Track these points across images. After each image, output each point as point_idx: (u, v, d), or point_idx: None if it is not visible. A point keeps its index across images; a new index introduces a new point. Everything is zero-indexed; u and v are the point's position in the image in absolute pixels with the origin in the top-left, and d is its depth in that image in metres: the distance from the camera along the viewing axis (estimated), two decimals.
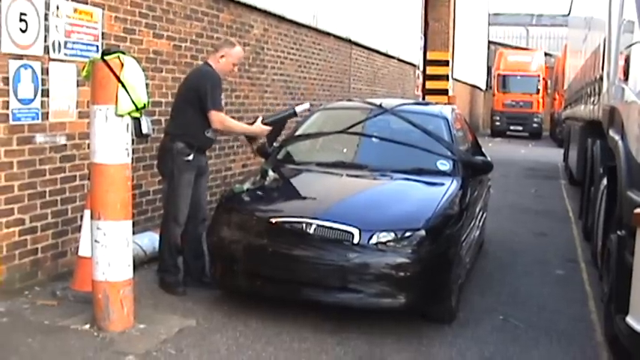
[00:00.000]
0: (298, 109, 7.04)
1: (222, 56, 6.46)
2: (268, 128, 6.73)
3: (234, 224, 5.95)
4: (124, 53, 5.23)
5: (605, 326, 5.82)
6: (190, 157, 6.22)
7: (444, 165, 6.92)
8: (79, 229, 6.28)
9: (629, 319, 4.68)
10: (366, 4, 16.43)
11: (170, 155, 6.21)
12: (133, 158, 5.56)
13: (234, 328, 5.56)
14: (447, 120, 7.64)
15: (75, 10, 6.38)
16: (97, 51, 6.51)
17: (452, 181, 6.58)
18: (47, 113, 6.15)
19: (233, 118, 7.29)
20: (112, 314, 5.24)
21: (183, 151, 6.18)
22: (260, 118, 6.79)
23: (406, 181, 6.58)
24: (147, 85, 5.45)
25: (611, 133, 6.80)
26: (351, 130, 7.35)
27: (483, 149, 8.68)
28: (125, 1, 7.12)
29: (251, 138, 6.92)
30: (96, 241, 5.22)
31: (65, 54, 6.30)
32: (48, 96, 6.14)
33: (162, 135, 6.60)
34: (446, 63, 28.04)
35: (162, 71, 7.87)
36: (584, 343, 5.75)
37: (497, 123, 36.97)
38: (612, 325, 5.23)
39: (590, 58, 11.73)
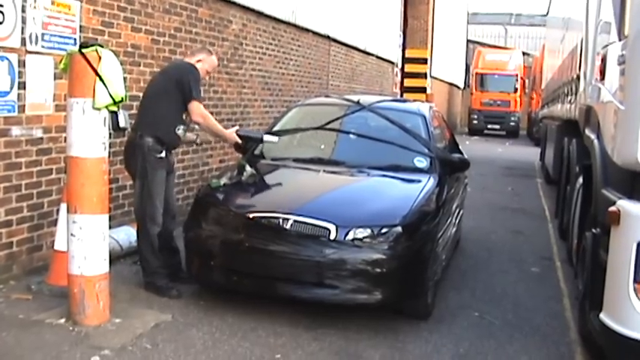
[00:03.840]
0: (266, 137, 7.03)
1: (199, 61, 6.43)
2: (238, 140, 6.73)
3: (211, 219, 5.95)
4: (101, 46, 5.20)
5: (579, 323, 5.87)
6: (162, 155, 6.17)
7: (421, 162, 6.94)
8: (54, 222, 6.25)
9: (602, 316, 4.73)
10: (345, 0, 16.44)
11: (141, 152, 6.09)
12: (109, 152, 5.53)
13: (210, 323, 5.55)
14: (425, 117, 7.66)
15: (53, 3, 6.34)
16: (75, 44, 6.48)
17: (429, 178, 6.60)
18: (24, 106, 6.11)
19: (210, 113, 7.27)
20: (88, 308, 5.22)
21: (154, 147, 6.10)
22: (236, 128, 6.83)
23: (383, 177, 6.60)
24: (124, 78, 5.43)
25: (587, 132, 6.85)
26: (328, 127, 7.35)
27: (461, 147, 8.71)
28: None
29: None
30: (72, 234, 5.19)
31: (42, 46, 6.25)
32: (24, 89, 6.10)
33: None
34: (424, 61, 28.11)
35: (140, 65, 7.85)
36: (559, 339, 5.80)
37: (475, 121, 37.15)
38: (586, 322, 5.28)
39: (568, 58, 11.80)
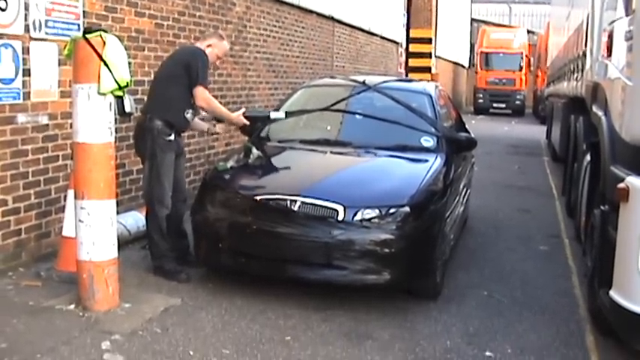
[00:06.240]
0: (272, 114, 7.04)
1: (210, 45, 6.43)
2: (245, 122, 6.73)
3: (218, 202, 5.95)
4: (105, 31, 5.18)
5: (588, 300, 5.87)
6: (172, 137, 6.16)
7: (428, 141, 6.92)
8: (62, 209, 6.26)
9: (612, 293, 4.72)
10: None
11: (150, 135, 6.10)
12: (115, 137, 5.52)
13: (220, 306, 5.57)
14: (431, 97, 7.64)
15: None
16: (79, 30, 6.46)
17: (436, 158, 6.59)
18: (29, 93, 6.10)
19: (215, 96, 7.26)
20: (97, 294, 5.23)
21: (163, 130, 6.10)
22: (243, 110, 6.79)
23: (390, 157, 6.59)
24: (129, 63, 5.41)
25: (595, 109, 6.82)
26: (334, 108, 7.34)
27: (467, 126, 8.69)
28: None
29: (219, 121, 6.84)
30: (80, 220, 5.20)
31: (46, 33, 6.24)
32: (29, 75, 6.08)
33: None
34: (429, 40, 28.02)
35: (144, 50, 7.82)
36: (568, 317, 5.79)
37: (480, 100, 37.05)
38: (596, 299, 5.28)
39: (574, 35, 11.74)
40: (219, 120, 6.75)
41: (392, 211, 5.55)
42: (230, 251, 5.78)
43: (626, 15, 5.46)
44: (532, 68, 37.89)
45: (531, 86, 38.19)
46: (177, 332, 5.02)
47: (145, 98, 6.57)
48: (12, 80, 5.90)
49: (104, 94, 5.10)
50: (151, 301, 5.58)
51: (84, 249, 5.21)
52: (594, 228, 5.74)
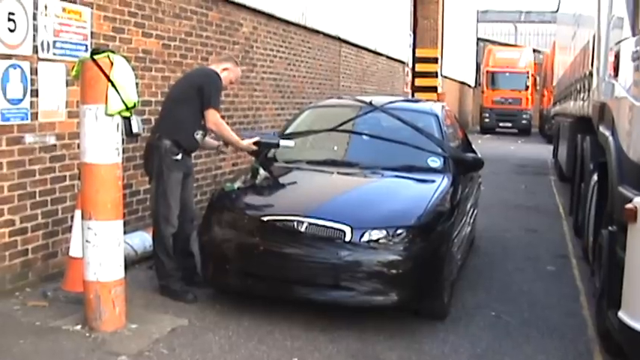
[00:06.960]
0: (282, 142, 7.01)
1: (226, 69, 6.47)
2: (255, 148, 6.76)
3: (225, 223, 5.94)
4: (113, 52, 5.20)
5: (597, 321, 5.84)
6: (179, 157, 6.16)
7: (435, 162, 6.92)
8: (69, 229, 6.26)
9: (621, 314, 4.70)
10: (355, 1, 16.42)
11: (158, 154, 6.11)
12: (123, 158, 5.53)
13: (227, 327, 5.55)
14: (438, 117, 7.64)
15: (63, 10, 6.35)
16: (86, 50, 6.49)
17: (443, 178, 6.58)
18: (36, 113, 6.12)
19: (222, 117, 7.27)
20: (104, 314, 5.22)
21: (171, 149, 6.11)
22: (257, 139, 6.78)
23: (397, 178, 6.58)
24: (136, 84, 5.43)
25: (602, 129, 6.81)
26: (341, 128, 7.34)
27: (473, 146, 8.69)
28: (114, 0, 7.10)
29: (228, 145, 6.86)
30: (87, 241, 5.20)
31: (54, 53, 6.27)
32: (37, 96, 6.10)
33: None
34: (435, 60, 28.08)
35: (151, 70, 7.85)
36: (576, 338, 5.76)
37: (487, 120, 37.10)
38: (604, 320, 5.25)
39: (580, 55, 11.75)
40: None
41: (399, 231, 5.53)
42: (237, 272, 5.76)
43: (633, 35, 5.48)
44: (538, 87, 37.98)
45: (537, 105, 38.23)
46: (184, 353, 5.00)
47: (153, 119, 6.59)
48: (20, 100, 5.92)
49: (112, 115, 5.11)
50: (158, 321, 5.56)
51: (91, 269, 5.21)
52: (602, 248, 5.72)
